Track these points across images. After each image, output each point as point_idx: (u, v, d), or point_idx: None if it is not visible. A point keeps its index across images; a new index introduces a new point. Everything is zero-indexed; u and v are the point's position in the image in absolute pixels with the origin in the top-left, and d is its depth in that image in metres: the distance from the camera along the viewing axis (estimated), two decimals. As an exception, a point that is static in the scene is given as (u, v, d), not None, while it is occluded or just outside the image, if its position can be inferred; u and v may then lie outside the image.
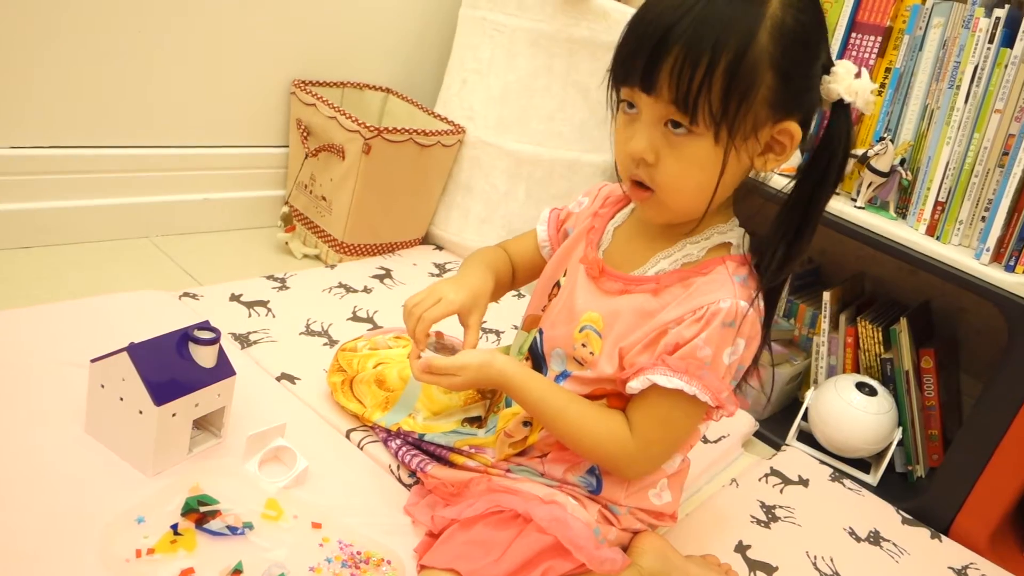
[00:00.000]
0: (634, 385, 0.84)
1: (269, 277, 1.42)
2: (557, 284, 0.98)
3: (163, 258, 1.45)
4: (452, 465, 0.99)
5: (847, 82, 0.79)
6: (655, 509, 0.95)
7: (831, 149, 0.81)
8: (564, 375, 0.92)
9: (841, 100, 0.80)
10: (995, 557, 1.24)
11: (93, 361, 0.90)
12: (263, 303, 1.33)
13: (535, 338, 0.96)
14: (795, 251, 0.85)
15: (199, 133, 1.53)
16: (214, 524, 0.86)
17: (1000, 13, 1.19)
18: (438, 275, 1.62)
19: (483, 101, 1.61)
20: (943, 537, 1.25)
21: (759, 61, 0.74)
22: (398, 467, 1.03)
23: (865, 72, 0.80)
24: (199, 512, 0.86)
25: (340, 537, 0.89)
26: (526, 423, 0.94)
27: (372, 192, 1.53)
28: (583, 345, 0.89)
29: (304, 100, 1.56)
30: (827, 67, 0.80)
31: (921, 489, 1.36)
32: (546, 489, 0.90)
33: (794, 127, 0.79)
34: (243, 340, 1.21)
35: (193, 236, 1.55)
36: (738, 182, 0.85)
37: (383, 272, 1.57)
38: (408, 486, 1.02)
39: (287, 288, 1.40)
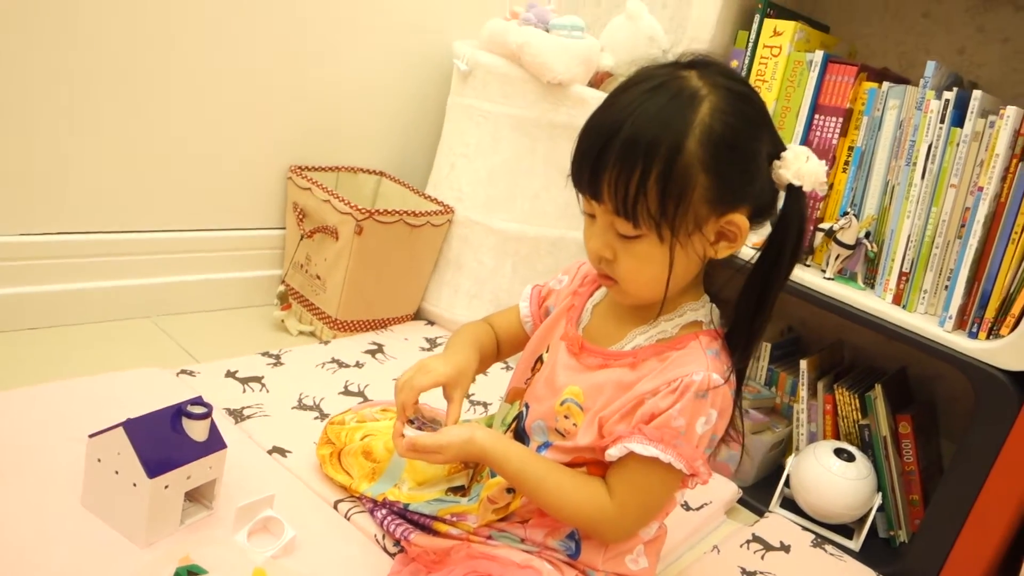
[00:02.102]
0: (612, 452, 0.89)
1: (264, 354, 1.48)
2: (540, 359, 1.03)
3: (163, 337, 1.51)
4: (436, 533, 1.03)
5: (796, 167, 0.85)
6: (631, 574, 0.98)
7: (784, 230, 0.87)
8: (546, 446, 0.96)
9: (792, 184, 0.86)
10: (978, 621, 1.25)
11: (91, 436, 0.95)
12: (257, 379, 1.38)
13: (520, 412, 1.01)
14: (756, 328, 0.90)
15: (199, 217, 1.60)
16: (203, 594, 0.89)
17: (949, 95, 1.28)
18: (429, 349, 1.67)
19: (471, 182, 1.69)
20: (925, 602, 1.27)
21: (690, 166, 0.81)
22: (383, 536, 1.07)
23: (813, 156, 0.86)
24: (188, 582, 0.90)
25: (324, 605, 0.92)
26: (509, 490, 0.98)
27: (364, 270, 1.60)
28: (565, 417, 0.94)
29: (300, 184, 1.64)
30: (775, 154, 0.86)
31: (903, 553, 1.38)
32: (523, 555, 0.93)
33: (740, 219, 0.85)
34: (237, 415, 1.26)
35: (193, 315, 1.62)
36: (697, 268, 0.92)
37: (375, 347, 1.62)
38: (393, 555, 1.05)
39: (282, 364, 1.45)
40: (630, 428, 0.88)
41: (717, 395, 0.87)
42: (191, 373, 1.34)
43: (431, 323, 1.80)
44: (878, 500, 1.40)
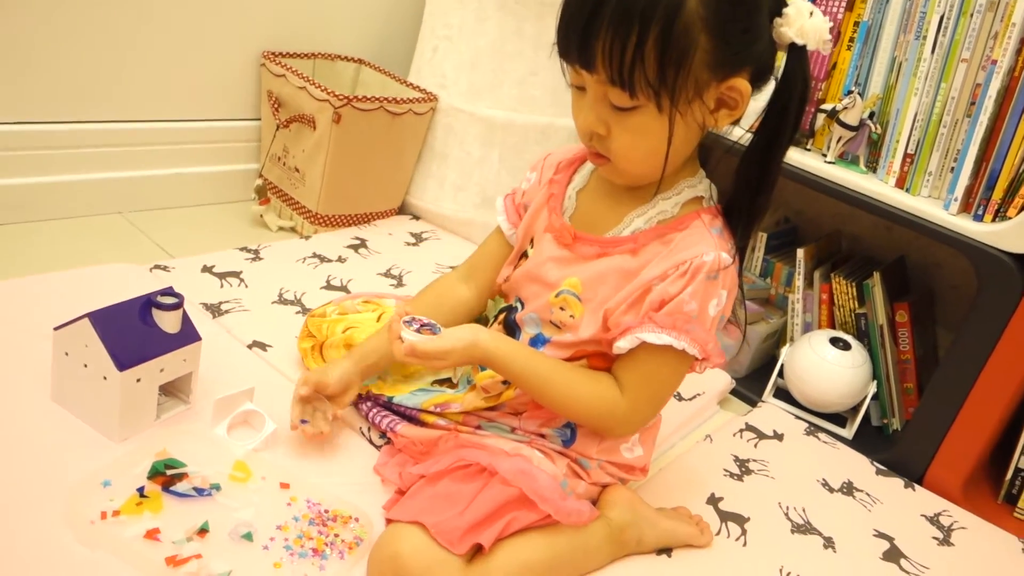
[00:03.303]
0: (622, 344, 0.85)
1: (243, 249, 1.42)
2: (524, 255, 0.98)
3: (136, 233, 1.45)
4: (422, 424, 1.00)
5: (798, 24, 0.78)
6: (626, 463, 0.96)
7: (787, 95, 0.81)
8: (540, 338, 0.92)
9: (794, 43, 0.79)
10: (968, 504, 1.25)
11: (56, 329, 0.90)
12: (235, 274, 1.33)
13: (515, 307, 0.96)
14: (759, 204, 0.85)
15: (170, 107, 1.52)
16: (180, 486, 0.86)
17: (965, -39, 1.19)
18: (414, 244, 1.62)
19: (454, 67, 1.60)
20: (916, 486, 1.26)
21: (690, 26, 0.73)
22: (368, 429, 1.04)
23: (818, 12, 0.79)
24: (165, 475, 0.87)
25: (308, 496, 0.90)
26: (504, 381, 0.94)
27: (345, 162, 1.52)
28: (561, 309, 0.90)
29: (274, 71, 1.55)
30: (777, 10, 0.79)
31: (895, 441, 1.37)
32: (512, 444, 0.90)
33: (742, 83, 0.79)
34: (214, 310, 1.21)
35: (167, 211, 1.55)
36: (696, 140, 0.86)
37: (358, 242, 1.57)
38: (379, 447, 1.02)
39: (261, 259, 1.40)
40: (639, 317, 0.84)
41: (727, 275, 0.83)
42: (165, 268, 1.29)
43: (416, 217, 1.74)
44: (873, 388, 1.38)
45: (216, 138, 1.60)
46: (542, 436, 0.95)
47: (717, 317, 0.85)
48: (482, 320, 1.12)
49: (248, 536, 0.82)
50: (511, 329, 0.96)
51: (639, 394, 0.87)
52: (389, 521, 0.85)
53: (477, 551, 0.81)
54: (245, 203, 1.65)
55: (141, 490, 0.84)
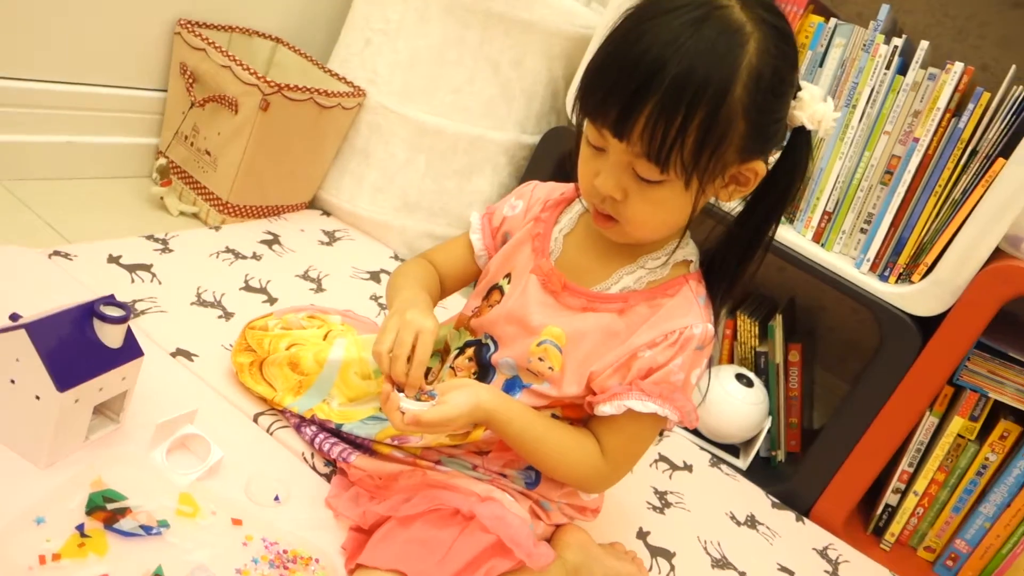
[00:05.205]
0: (606, 409, 0.85)
1: (149, 237, 1.29)
2: (496, 287, 0.95)
3: (19, 206, 1.28)
4: (374, 454, 0.96)
5: (811, 109, 0.80)
6: (582, 504, 0.97)
7: (789, 176, 0.83)
8: (516, 382, 0.91)
9: (803, 126, 0.82)
10: (847, 537, 1.37)
11: (-23, 336, 0.78)
12: (146, 267, 1.21)
13: (487, 346, 0.93)
14: (745, 270, 0.87)
15: (66, 67, 1.35)
16: (125, 523, 0.78)
17: (898, 42, 1.28)
18: (328, 244, 1.54)
19: (388, 65, 1.54)
20: (805, 520, 1.37)
21: (733, 114, 0.74)
22: (312, 455, 0.98)
23: (830, 98, 0.82)
24: (106, 510, 0.78)
25: (264, 535, 0.83)
26: None
27: (265, 151, 1.42)
28: (540, 360, 0.88)
29: (192, 44, 1.42)
30: (793, 94, 0.81)
31: (784, 474, 1.47)
32: (483, 485, 0.88)
33: (760, 166, 0.80)
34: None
35: (54, 183, 1.38)
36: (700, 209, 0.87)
37: (271, 237, 1.47)
38: (323, 475, 0.97)
39: (171, 251, 1.28)
40: (625, 383, 0.84)
41: (710, 346, 0.85)
42: (66, 255, 1.15)
43: (327, 214, 1.66)
44: (768, 423, 1.47)
45: (115, 107, 1.44)
46: (503, 476, 0.94)
47: (696, 384, 0.87)
48: (440, 344, 1.09)
49: (208, 583, 0.76)
50: (486, 369, 0.94)
51: (619, 457, 0.88)
52: (358, 566, 0.81)
53: (453, 600, 0.79)
54: (141, 180, 1.50)
55: (81, 528, 0.75)
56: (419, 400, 0.80)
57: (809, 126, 0.81)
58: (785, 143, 0.83)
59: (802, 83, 0.82)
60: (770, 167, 0.83)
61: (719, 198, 0.84)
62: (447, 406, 0.79)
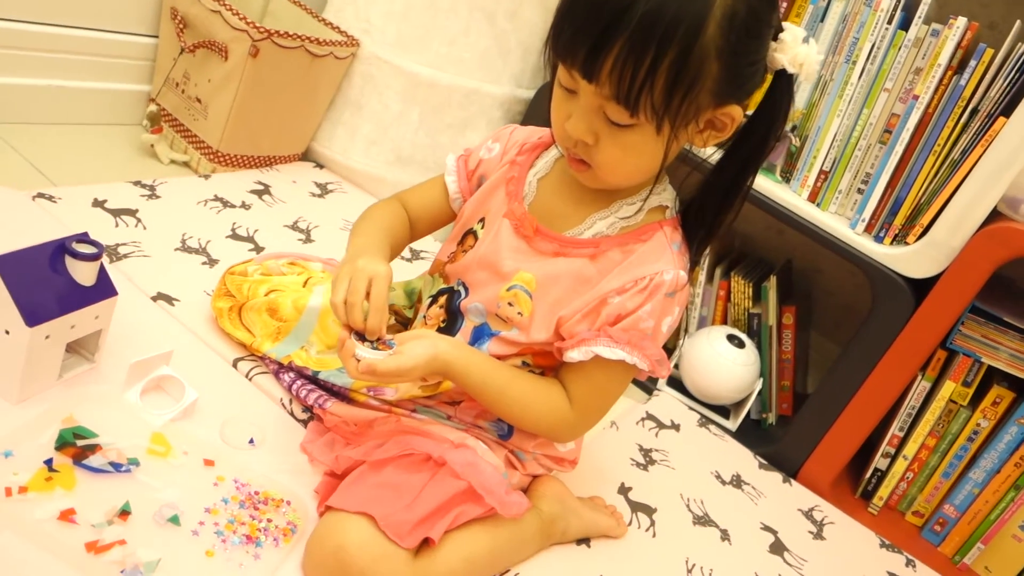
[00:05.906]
0: (574, 355, 0.83)
1: (136, 183, 1.29)
2: (471, 232, 0.94)
3: (6, 148, 1.27)
4: (351, 402, 0.95)
5: (793, 51, 0.77)
6: (559, 456, 0.96)
7: (769, 120, 0.81)
8: (484, 329, 0.89)
9: (784, 70, 0.79)
10: (834, 500, 1.36)
11: (-53, 270, 0.78)
12: (131, 212, 1.20)
13: (455, 290, 0.92)
14: (723, 219, 0.86)
15: (55, 9, 1.33)
16: (94, 460, 0.78)
17: (901, -5, 1.25)
18: (319, 196, 1.53)
19: (383, 15, 1.51)
20: (792, 481, 1.36)
21: (706, 55, 0.71)
22: (290, 401, 0.98)
23: (812, 40, 0.79)
24: (76, 446, 0.78)
25: (236, 476, 0.84)
26: None
27: (255, 99, 1.41)
28: (509, 304, 0.87)
29: (182, -13, 1.40)
30: (774, 36, 0.78)
31: (774, 436, 1.46)
32: (457, 433, 0.88)
33: (736, 111, 0.78)
34: (112, 253, 1.09)
35: (42, 127, 1.37)
36: (675, 154, 0.85)
37: (261, 187, 1.46)
38: (301, 421, 0.97)
39: (158, 197, 1.27)
40: (594, 329, 0.83)
41: (683, 293, 0.84)
42: (50, 198, 1.15)
43: (320, 166, 1.64)
44: (759, 385, 1.46)
45: (106, 51, 1.43)
46: (478, 427, 0.93)
47: (668, 332, 0.86)
48: (411, 296, 1.08)
49: (175, 520, 0.76)
50: (454, 317, 0.92)
51: (588, 405, 0.87)
52: (328, 508, 0.81)
53: (422, 544, 0.79)
54: (131, 127, 1.49)
55: (49, 463, 0.75)
56: (376, 349, 0.79)
57: (790, 69, 0.78)
58: (766, 88, 0.81)
59: (784, 24, 0.79)
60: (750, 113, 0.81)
61: (695, 144, 0.81)
62: (403, 356, 0.77)
